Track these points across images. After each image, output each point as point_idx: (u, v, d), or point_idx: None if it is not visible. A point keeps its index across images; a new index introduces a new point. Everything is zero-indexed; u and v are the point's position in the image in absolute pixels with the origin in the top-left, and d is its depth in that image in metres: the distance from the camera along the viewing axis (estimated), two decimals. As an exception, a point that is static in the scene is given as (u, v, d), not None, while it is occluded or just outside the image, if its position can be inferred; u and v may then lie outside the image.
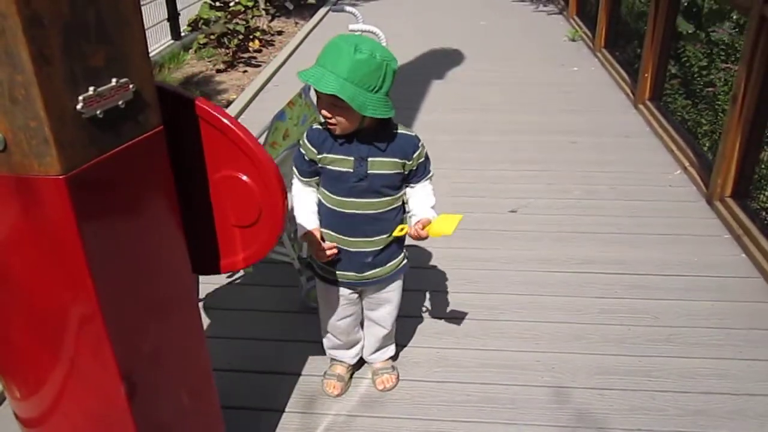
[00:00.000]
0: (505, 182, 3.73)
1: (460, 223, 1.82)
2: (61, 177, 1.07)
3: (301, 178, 1.94)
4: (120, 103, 1.15)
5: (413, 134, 1.87)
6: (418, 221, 1.87)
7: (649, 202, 3.49)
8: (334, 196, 1.87)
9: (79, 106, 1.07)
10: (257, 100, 5.17)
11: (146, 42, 1.21)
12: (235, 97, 5.37)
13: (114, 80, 1.13)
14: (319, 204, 1.94)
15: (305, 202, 1.95)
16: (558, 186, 3.67)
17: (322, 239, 1.92)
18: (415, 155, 1.85)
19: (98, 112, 1.11)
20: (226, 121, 1.40)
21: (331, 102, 1.69)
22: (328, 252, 1.89)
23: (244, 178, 1.46)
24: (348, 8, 2.79)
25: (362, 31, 2.51)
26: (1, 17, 0.95)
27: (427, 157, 1.90)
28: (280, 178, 1.48)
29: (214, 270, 1.60)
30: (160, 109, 1.27)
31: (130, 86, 1.16)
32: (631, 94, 5.00)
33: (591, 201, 3.51)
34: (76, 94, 1.07)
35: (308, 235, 1.91)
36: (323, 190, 1.91)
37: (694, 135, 4.41)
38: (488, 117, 4.74)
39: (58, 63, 1.02)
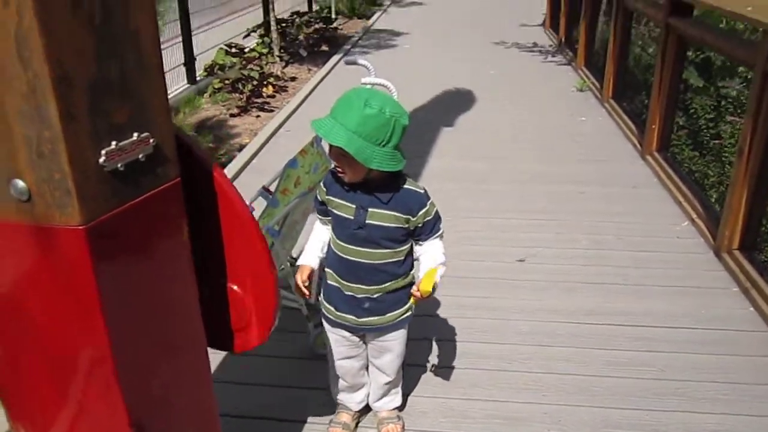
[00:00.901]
0: (513, 231, 3.75)
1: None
2: (81, 227, 1.11)
3: (318, 216, 2.04)
4: (140, 156, 1.20)
5: (421, 191, 1.90)
6: (414, 285, 1.90)
7: (657, 253, 3.50)
8: (338, 240, 1.94)
9: (101, 160, 1.12)
10: (270, 144, 5.26)
11: (167, 96, 1.26)
12: (248, 141, 5.47)
13: (135, 134, 1.18)
14: (329, 243, 2.00)
15: (315, 239, 2.04)
16: (566, 236, 3.69)
17: (310, 277, 1.99)
18: (420, 212, 1.88)
19: (119, 165, 1.15)
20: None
21: (339, 152, 1.75)
22: (304, 291, 1.98)
23: (235, 288, 1.52)
24: (361, 61, 2.87)
25: (374, 84, 2.58)
26: (33, 77, 1.00)
27: (437, 216, 1.92)
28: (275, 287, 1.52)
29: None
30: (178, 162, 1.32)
31: (151, 140, 1.21)
32: (638, 145, 5.05)
33: (598, 251, 3.52)
34: (99, 149, 1.11)
35: (300, 268, 2.00)
36: (331, 232, 1.98)
37: (702, 186, 4.44)
38: (497, 165, 4.79)
39: (83, 119, 1.07)
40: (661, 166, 4.54)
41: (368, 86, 2.54)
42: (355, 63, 2.90)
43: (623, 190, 4.35)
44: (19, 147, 1.08)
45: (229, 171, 4.54)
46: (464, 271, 3.22)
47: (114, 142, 1.14)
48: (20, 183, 1.10)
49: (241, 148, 5.27)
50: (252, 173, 4.61)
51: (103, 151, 1.12)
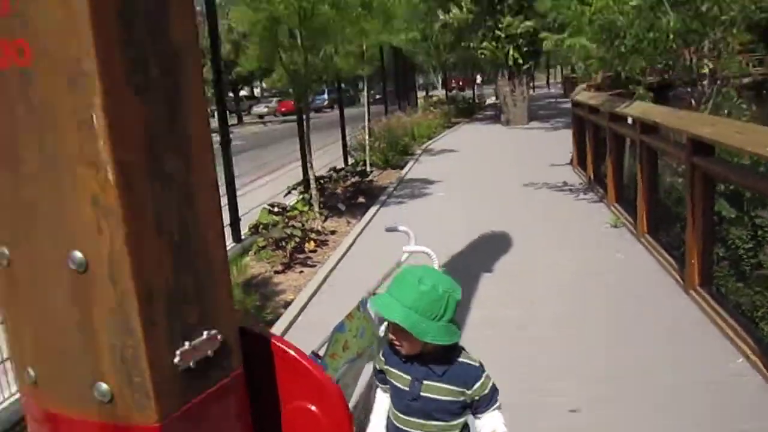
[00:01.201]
0: (560, 379, 3.70)
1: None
2: (156, 425, 1.20)
3: (379, 384, 2.11)
4: (209, 352, 1.30)
5: (476, 364, 1.94)
6: None
7: (715, 395, 3.40)
8: (394, 409, 1.99)
9: (176, 360, 1.22)
10: (314, 300, 5.39)
11: (232, 296, 1.39)
12: (292, 297, 5.61)
13: (205, 333, 1.29)
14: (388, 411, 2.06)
15: (379, 408, 2.10)
16: (616, 383, 3.63)
17: None
18: (476, 386, 1.91)
19: (191, 363, 1.26)
20: (299, 357, 1.53)
21: (396, 327, 1.85)
22: None
23: (313, 408, 1.56)
24: (401, 228, 3.01)
25: (414, 251, 2.71)
26: (121, 293, 1.14)
27: (493, 388, 1.95)
28: (346, 407, 1.58)
29: None
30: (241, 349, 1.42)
31: (219, 337, 1.32)
32: (680, 280, 5.03)
33: (652, 396, 3.44)
34: (174, 350, 1.22)
35: None
36: (390, 400, 2.03)
37: (752, 320, 4.36)
38: (538, 311, 4.80)
39: (161, 325, 1.20)
40: (707, 301, 4.50)
41: (408, 253, 2.67)
42: (395, 230, 3.04)
43: (668, 328, 4.29)
44: (103, 354, 1.20)
45: (277, 329, 4.64)
46: (520, 428, 3.16)
47: (187, 343, 1.25)
48: (104, 386, 1.21)
49: (287, 305, 5.41)
50: (299, 330, 4.70)
51: (178, 352, 1.23)
